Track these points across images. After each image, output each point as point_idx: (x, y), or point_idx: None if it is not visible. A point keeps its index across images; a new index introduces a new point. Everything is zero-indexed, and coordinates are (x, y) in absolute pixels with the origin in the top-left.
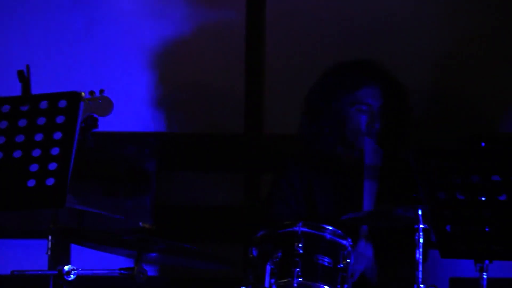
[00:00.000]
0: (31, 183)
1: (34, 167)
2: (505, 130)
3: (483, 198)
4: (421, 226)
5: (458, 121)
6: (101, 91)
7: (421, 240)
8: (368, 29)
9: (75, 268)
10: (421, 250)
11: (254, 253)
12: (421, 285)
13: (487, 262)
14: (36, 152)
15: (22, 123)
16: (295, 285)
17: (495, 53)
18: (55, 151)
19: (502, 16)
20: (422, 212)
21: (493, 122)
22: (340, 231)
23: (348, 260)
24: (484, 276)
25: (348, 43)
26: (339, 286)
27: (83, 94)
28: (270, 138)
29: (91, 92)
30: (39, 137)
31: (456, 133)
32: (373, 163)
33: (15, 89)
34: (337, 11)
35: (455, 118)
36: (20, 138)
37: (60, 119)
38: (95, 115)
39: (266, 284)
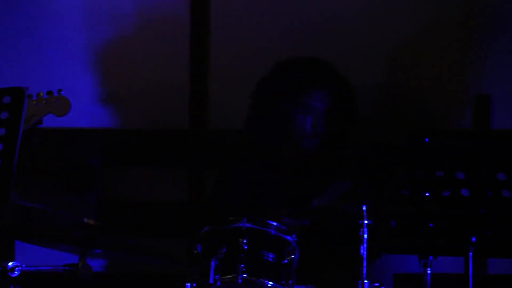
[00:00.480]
0: None
1: None
2: (454, 126)
3: (427, 194)
4: (366, 222)
5: (407, 117)
6: (59, 91)
7: (365, 236)
8: (316, 26)
9: (18, 264)
10: (365, 246)
11: (199, 249)
12: (365, 281)
13: (431, 257)
14: None
15: None
16: (240, 281)
17: (443, 50)
18: None
19: (448, 14)
20: (366, 208)
21: (441, 118)
22: (284, 227)
23: (293, 256)
24: (428, 272)
25: (295, 40)
26: (283, 281)
27: (31, 91)
28: (215, 133)
29: (49, 92)
30: None
31: (406, 129)
32: (316, 161)
33: None
34: (284, 7)
35: (404, 114)
36: None
37: (3, 115)
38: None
39: (211, 280)
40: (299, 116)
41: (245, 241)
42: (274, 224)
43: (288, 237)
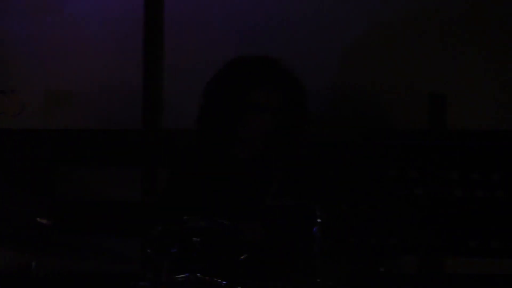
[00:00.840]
0: None
1: None
2: (410, 125)
3: (381, 193)
4: (319, 220)
5: (363, 118)
6: (11, 91)
7: (318, 235)
8: (271, 27)
9: None
10: (318, 243)
11: (152, 248)
12: (318, 280)
13: (385, 256)
14: None
15: None
16: (193, 280)
17: (397, 50)
18: None
19: (400, 13)
20: (317, 208)
21: (397, 117)
22: (238, 226)
23: (246, 254)
24: (381, 270)
25: (248, 40)
26: (237, 280)
27: None
28: (168, 133)
29: (1, 92)
30: None
31: (361, 129)
32: (269, 160)
33: None
34: (237, 8)
35: (360, 114)
36: None
37: None
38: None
39: (164, 279)
40: (249, 114)
41: (198, 240)
42: (227, 223)
43: (241, 236)
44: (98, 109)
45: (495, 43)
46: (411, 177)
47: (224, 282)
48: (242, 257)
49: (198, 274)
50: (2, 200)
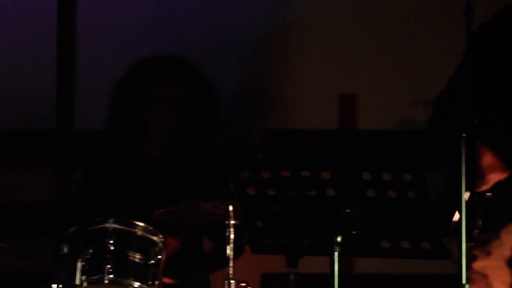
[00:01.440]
0: None
1: None
2: (320, 126)
3: (293, 194)
4: (232, 222)
5: (271, 117)
6: None
7: (231, 236)
8: (176, 27)
9: None
10: (231, 246)
11: (65, 249)
12: (232, 281)
13: (297, 258)
14: None
15: None
16: (106, 281)
17: (306, 50)
18: None
19: (307, 12)
20: (232, 208)
21: (307, 118)
22: (151, 227)
23: (160, 257)
24: (295, 272)
25: (157, 39)
26: (150, 282)
27: None
28: (82, 134)
29: None
30: None
31: (271, 130)
32: (180, 158)
33: None
34: (148, 9)
35: (268, 114)
36: None
37: None
38: None
39: (77, 281)
40: (155, 109)
41: (111, 241)
42: (141, 224)
43: (155, 238)
44: (11, 109)
45: (404, 44)
46: (323, 178)
47: (137, 283)
48: (155, 259)
49: (111, 276)
50: None
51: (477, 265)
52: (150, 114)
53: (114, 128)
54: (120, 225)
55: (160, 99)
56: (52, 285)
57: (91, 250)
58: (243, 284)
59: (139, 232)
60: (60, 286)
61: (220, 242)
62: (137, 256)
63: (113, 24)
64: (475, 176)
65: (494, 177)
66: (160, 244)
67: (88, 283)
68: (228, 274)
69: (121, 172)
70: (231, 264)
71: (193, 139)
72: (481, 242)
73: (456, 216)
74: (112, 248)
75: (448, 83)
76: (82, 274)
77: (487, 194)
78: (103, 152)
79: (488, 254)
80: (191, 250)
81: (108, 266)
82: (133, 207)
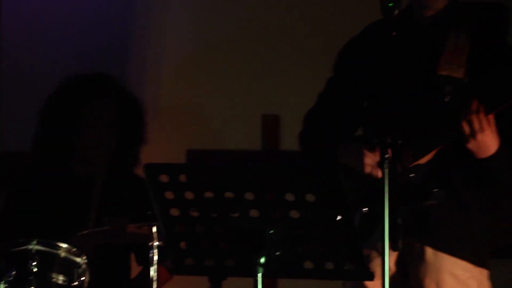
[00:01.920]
0: None
1: None
2: (244, 146)
3: (216, 215)
4: (156, 243)
5: (194, 137)
6: None
7: (155, 258)
8: (100, 44)
9: None
10: (155, 267)
11: None
12: None
13: (221, 279)
14: None
15: None
16: None
17: (221, 69)
18: None
19: (232, 32)
20: (156, 229)
21: (231, 138)
22: (75, 249)
23: (83, 278)
24: None
25: (84, 62)
26: None
27: None
28: (6, 155)
29: None
30: None
31: (193, 150)
32: (107, 178)
33: None
34: (74, 28)
35: (191, 134)
36: None
37: None
38: None
39: None
40: (84, 127)
41: (34, 263)
42: (64, 246)
43: (78, 259)
44: None
45: (326, 65)
46: (247, 200)
47: None
48: (79, 280)
49: None
50: None
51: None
52: (78, 132)
53: (41, 146)
54: (43, 246)
55: (88, 118)
56: None
57: (13, 272)
58: None
59: (63, 254)
60: None
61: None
62: (61, 278)
63: (36, 47)
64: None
65: None
66: (84, 266)
67: None
68: None
69: (46, 191)
70: (155, 286)
71: (120, 158)
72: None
73: None
74: (35, 270)
75: (318, 98)
76: None
77: (363, 209)
78: (28, 171)
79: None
80: (118, 273)
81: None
82: (58, 227)
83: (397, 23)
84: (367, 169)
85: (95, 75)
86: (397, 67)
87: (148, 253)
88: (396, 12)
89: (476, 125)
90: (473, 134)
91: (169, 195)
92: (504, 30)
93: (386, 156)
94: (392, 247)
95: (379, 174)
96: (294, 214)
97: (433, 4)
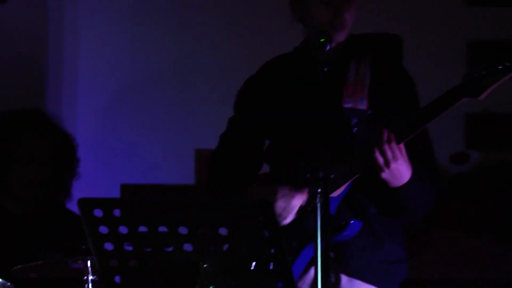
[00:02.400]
0: None
1: None
2: (177, 181)
3: (150, 249)
4: (91, 277)
5: (121, 171)
6: None
7: None
8: (35, 80)
9: None
10: None
11: None
12: None
13: None
14: None
15: None
16: None
17: (150, 103)
18: None
19: (158, 67)
20: (91, 263)
21: (165, 173)
22: (10, 283)
23: None
24: None
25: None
26: None
27: None
28: None
29: None
30: None
31: (120, 182)
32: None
33: None
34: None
35: (118, 167)
36: None
37: None
38: None
39: None
40: (17, 165)
41: None
42: (0, 281)
43: None
44: None
45: None
46: (181, 234)
47: None
48: None
49: None
50: None
51: None
52: (11, 170)
53: None
54: None
55: (22, 155)
56: None
57: None
58: None
59: None
60: None
61: None
62: None
63: None
64: None
65: None
66: None
67: None
68: None
69: None
70: None
71: (54, 193)
72: None
73: None
74: None
75: (220, 139)
76: None
77: None
78: None
79: None
80: None
81: None
82: None
83: (295, 60)
84: (283, 211)
85: (28, 112)
86: (300, 102)
87: (83, 287)
88: (328, 47)
89: (389, 154)
90: (386, 164)
91: (103, 229)
92: (399, 58)
93: (319, 190)
94: (325, 281)
95: (287, 220)
96: (227, 247)
97: (335, 37)
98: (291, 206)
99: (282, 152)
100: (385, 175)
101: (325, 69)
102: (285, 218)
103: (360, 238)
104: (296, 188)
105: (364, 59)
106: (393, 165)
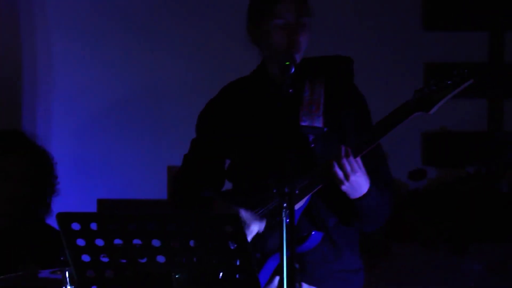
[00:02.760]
0: None
1: None
2: (152, 196)
3: (125, 260)
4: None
5: (99, 185)
6: None
7: None
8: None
9: None
10: None
11: None
12: None
13: None
14: None
15: None
16: None
17: (131, 118)
18: None
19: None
20: (69, 274)
21: (129, 187)
22: None
23: None
24: None
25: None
26: None
27: None
28: None
29: None
30: None
31: (97, 197)
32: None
33: None
34: None
35: (95, 182)
36: None
37: None
38: None
39: None
40: None
41: None
42: None
43: None
44: None
45: None
46: (154, 246)
47: None
48: None
49: None
50: None
51: None
52: None
53: None
54: None
55: (0, 173)
56: None
57: None
58: None
59: None
60: None
61: None
62: None
63: None
64: None
65: None
66: None
67: None
68: None
69: None
70: None
71: (33, 209)
72: None
73: None
74: None
75: (183, 159)
76: None
77: None
78: None
79: None
80: None
81: None
82: None
83: (253, 82)
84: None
85: (5, 131)
86: (259, 121)
87: None
88: (293, 70)
89: (348, 168)
90: (346, 177)
91: (80, 242)
92: (351, 78)
93: (285, 205)
94: None
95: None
96: (197, 258)
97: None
98: (249, 230)
99: (243, 170)
100: (345, 187)
101: (290, 91)
102: None
103: (320, 249)
104: (255, 214)
105: (318, 80)
106: (352, 178)
